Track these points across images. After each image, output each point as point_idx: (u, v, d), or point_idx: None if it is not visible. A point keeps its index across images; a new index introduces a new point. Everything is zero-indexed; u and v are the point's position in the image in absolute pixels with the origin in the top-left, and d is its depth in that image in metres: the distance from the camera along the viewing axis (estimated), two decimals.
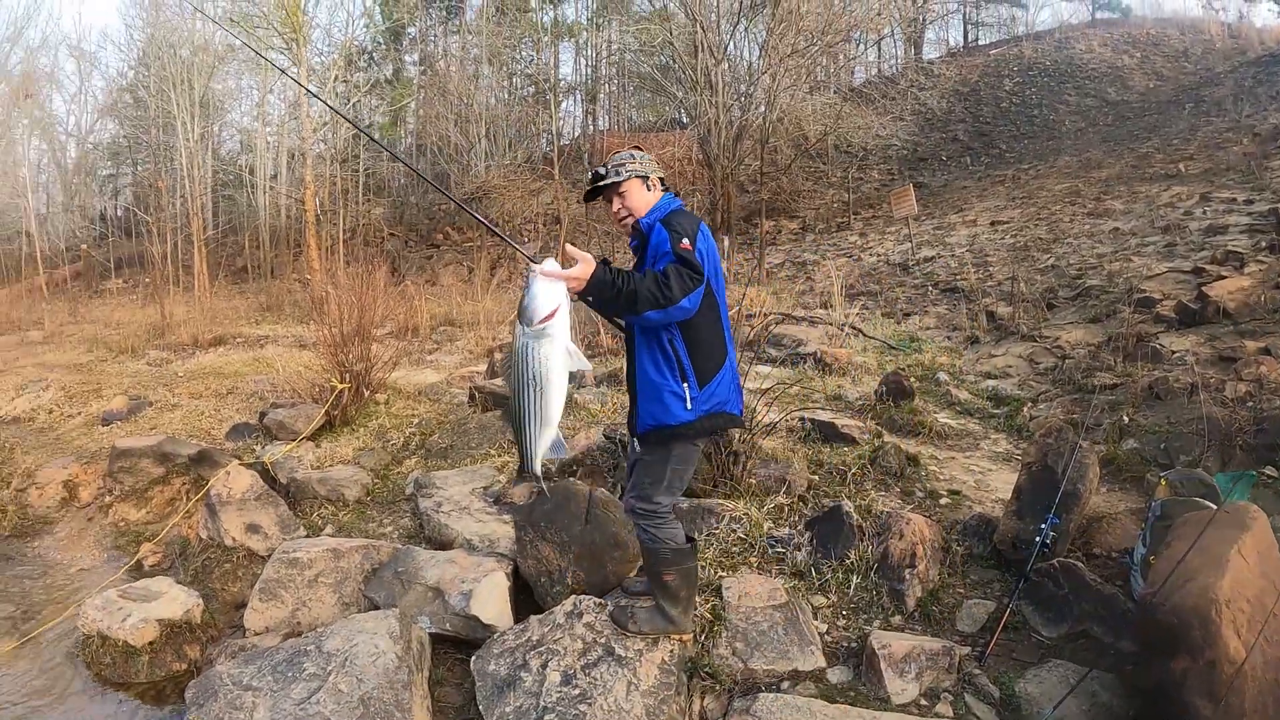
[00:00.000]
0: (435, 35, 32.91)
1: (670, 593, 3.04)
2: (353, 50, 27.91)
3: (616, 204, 2.97)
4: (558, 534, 3.53)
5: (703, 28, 16.18)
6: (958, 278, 12.03)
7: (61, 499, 6.49)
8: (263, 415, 7.15)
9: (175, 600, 4.24)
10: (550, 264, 2.57)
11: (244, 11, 18.46)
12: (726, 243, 15.32)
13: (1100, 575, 3.48)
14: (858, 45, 27.59)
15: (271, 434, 6.79)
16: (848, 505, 3.87)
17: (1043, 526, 3.50)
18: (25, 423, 8.58)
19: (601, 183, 2.94)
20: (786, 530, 3.93)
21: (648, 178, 2.96)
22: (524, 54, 32.14)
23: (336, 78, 22.66)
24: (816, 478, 4.61)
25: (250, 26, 17.92)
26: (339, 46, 23.15)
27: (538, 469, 2.74)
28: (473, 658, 3.09)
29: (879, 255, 15.85)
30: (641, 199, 2.95)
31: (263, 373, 9.84)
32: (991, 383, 7.44)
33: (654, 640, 2.99)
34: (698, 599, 3.31)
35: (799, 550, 3.74)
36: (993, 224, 15.63)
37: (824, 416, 5.48)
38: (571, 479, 4.27)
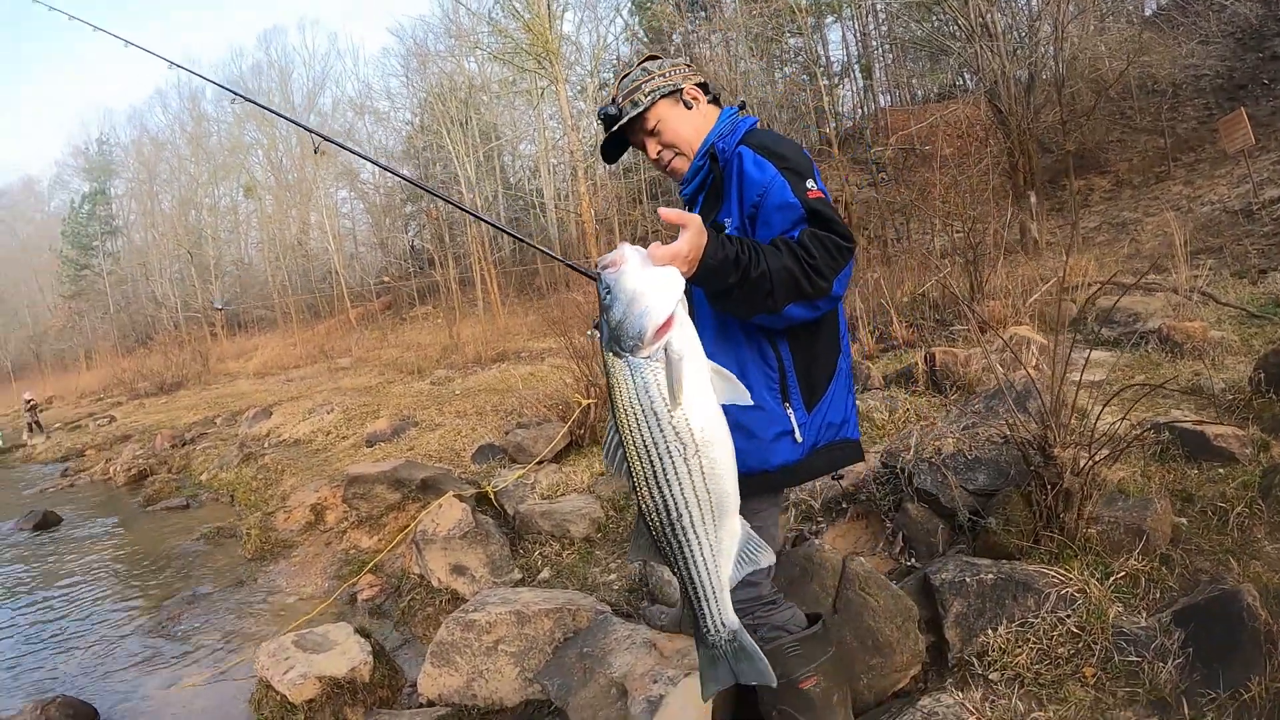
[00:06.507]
0: (697, 37, 32.49)
1: (818, 708, 1.83)
2: (617, 63, 28.34)
3: (653, 148, 1.95)
4: None
5: None
6: None
7: (307, 523, 6.31)
8: (507, 434, 6.47)
9: (344, 654, 3.53)
10: (629, 250, 1.44)
11: (501, 43, 19.06)
12: (1033, 199, 12.69)
13: None
14: None
15: (511, 457, 6.05)
16: (1250, 592, 2.13)
17: None
18: (305, 445, 8.83)
19: (619, 125, 1.92)
20: (1143, 620, 2.32)
21: (680, 90, 1.91)
22: (788, 42, 30.58)
23: (601, 88, 22.88)
24: (1184, 521, 2.84)
25: (508, 55, 18.47)
26: (595, 58, 23.42)
27: (728, 615, 1.50)
28: None
29: (1213, 203, 12.79)
30: (686, 124, 1.92)
31: (532, 387, 9.40)
32: None
33: None
34: None
35: (1163, 661, 2.13)
36: None
37: (1186, 422, 3.50)
38: (817, 538, 2.83)
